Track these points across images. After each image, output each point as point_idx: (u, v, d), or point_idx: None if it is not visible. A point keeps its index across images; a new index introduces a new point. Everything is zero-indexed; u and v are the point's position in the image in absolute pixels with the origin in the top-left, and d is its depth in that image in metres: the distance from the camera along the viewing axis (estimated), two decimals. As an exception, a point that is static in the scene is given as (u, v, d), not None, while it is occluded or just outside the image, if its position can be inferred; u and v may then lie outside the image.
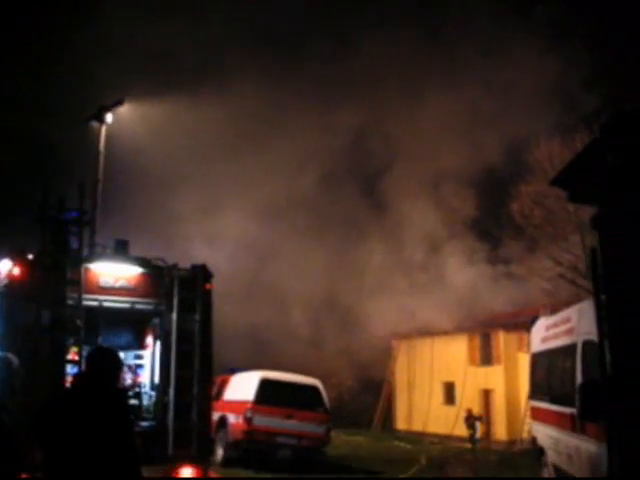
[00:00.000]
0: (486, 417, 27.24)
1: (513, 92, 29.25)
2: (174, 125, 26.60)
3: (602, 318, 6.24)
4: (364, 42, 31.54)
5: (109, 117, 17.75)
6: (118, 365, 5.01)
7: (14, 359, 5.67)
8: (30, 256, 10.20)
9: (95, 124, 17.76)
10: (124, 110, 18.57)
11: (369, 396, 34.48)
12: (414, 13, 34.68)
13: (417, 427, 31.52)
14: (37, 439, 4.73)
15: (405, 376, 33.59)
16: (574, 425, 10.37)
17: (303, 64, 31.16)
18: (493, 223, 29.97)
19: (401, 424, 33.34)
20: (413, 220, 31.15)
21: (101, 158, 17.39)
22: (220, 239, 28.41)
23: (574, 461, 10.64)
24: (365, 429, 32.32)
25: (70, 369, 9.78)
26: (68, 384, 8.54)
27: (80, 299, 10.09)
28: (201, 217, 29.57)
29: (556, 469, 12.11)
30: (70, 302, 10.00)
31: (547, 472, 12.83)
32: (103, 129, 17.64)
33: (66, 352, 9.97)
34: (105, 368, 4.86)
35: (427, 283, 30.05)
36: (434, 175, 31.11)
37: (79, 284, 10.13)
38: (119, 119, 18.36)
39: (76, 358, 9.90)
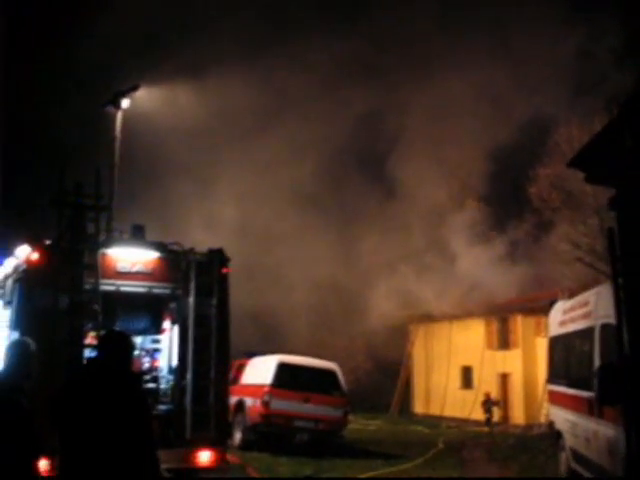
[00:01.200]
0: (504, 401, 27.23)
1: (531, 71, 28.90)
2: (189, 109, 26.60)
3: (620, 301, 6.20)
4: (374, 18, 31.23)
5: (125, 102, 17.73)
6: (130, 348, 5.02)
7: (32, 343, 5.70)
8: (48, 241, 10.25)
9: (111, 109, 17.75)
10: (140, 95, 18.57)
11: (386, 380, 34.48)
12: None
13: (435, 411, 31.54)
14: (54, 423, 4.76)
15: (423, 360, 33.59)
16: (592, 409, 10.32)
17: (312, 45, 30.79)
18: (511, 207, 29.72)
19: (419, 408, 33.38)
20: (429, 203, 30.98)
21: (117, 143, 17.40)
22: (237, 223, 28.43)
23: (592, 445, 10.60)
24: (382, 413, 32.37)
25: (88, 353, 9.85)
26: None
27: (97, 284, 10.15)
28: (218, 201, 29.62)
29: (574, 453, 12.07)
30: (87, 287, 10.06)
31: (565, 456, 12.80)
32: (119, 114, 17.63)
33: (84, 337, 10.05)
34: (117, 351, 4.87)
35: (444, 267, 29.91)
36: (450, 158, 30.81)
37: (96, 269, 10.18)
38: (135, 104, 18.35)
39: (94, 342, 9.96)
